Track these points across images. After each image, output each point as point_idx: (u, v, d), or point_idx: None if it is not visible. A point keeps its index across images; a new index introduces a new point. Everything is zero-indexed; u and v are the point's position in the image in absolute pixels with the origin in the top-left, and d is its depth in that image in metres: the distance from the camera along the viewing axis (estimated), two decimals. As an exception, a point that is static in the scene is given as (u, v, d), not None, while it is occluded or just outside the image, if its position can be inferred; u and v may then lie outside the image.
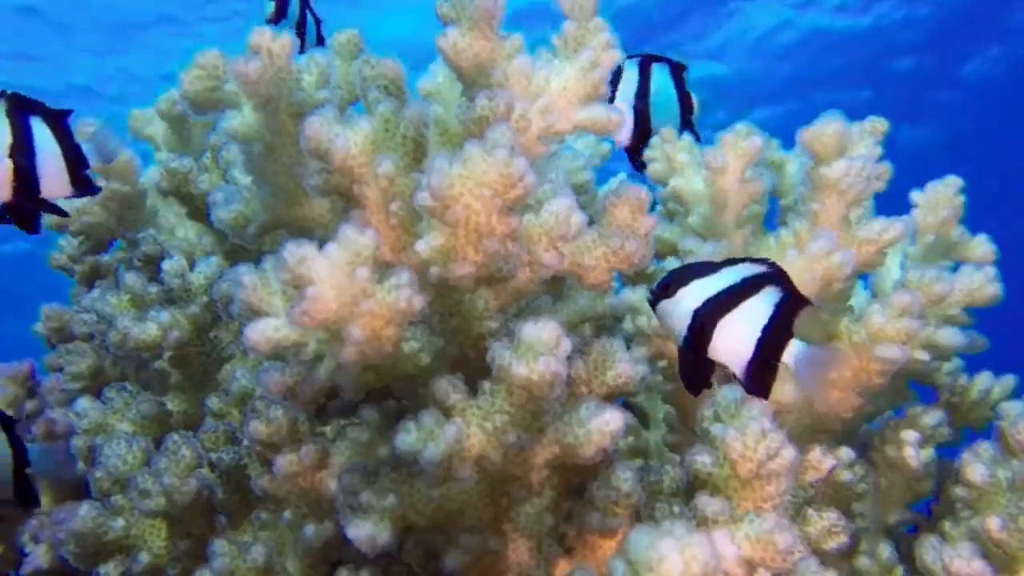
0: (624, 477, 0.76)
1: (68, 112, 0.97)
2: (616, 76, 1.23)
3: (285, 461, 0.80)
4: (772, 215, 1.11)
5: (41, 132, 0.94)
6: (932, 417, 1.01)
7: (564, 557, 0.79)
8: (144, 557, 0.95)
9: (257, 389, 1.03)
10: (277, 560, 0.88)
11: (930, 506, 1.08)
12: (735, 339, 0.69)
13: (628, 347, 0.82)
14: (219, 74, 0.77)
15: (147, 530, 0.95)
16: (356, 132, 0.69)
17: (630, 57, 1.28)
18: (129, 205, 1.33)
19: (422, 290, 0.62)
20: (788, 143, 1.09)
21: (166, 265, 1.15)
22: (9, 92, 0.93)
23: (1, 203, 0.93)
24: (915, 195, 1.15)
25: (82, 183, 0.97)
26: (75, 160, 0.96)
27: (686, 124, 1.28)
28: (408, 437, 0.65)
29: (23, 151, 0.92)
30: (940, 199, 1.13)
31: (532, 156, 0.76)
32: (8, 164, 0.91)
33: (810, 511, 0.87)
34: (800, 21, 6.87)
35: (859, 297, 1.12)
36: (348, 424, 0.84)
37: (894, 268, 1.15)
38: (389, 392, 0.83)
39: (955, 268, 1.10)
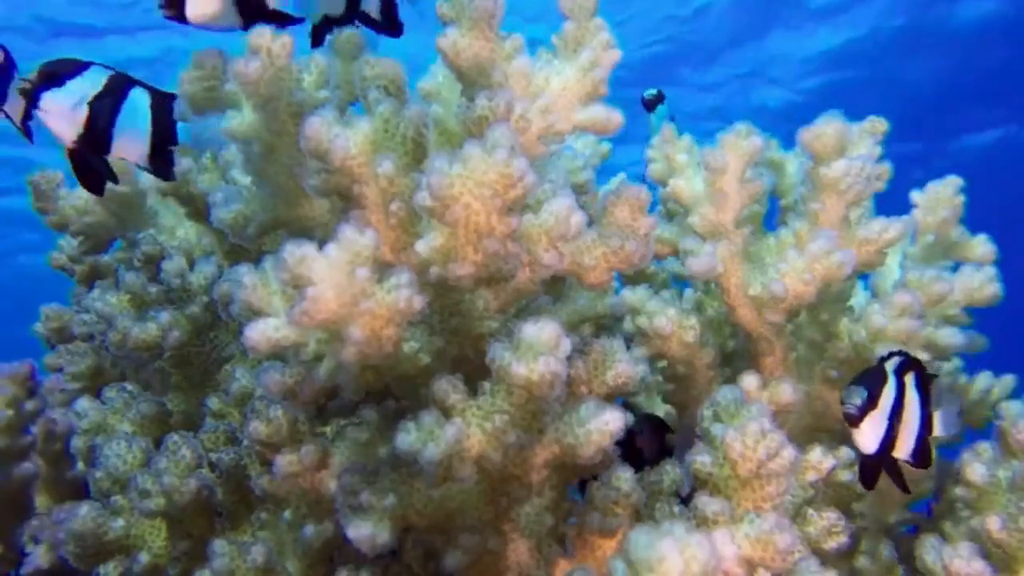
0: (624, 477, 0.76)
1: (173, 95, 0.97)
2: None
3: (285, 461, 0.80)
4: (772, 215, 1.11)
5: (139, 99, 0.95)
6: (932, 417, 1.01)
7: (564, 557, 0.79)
8: (144, 557, 0.95)
9: (257, 389, 1.03)
10: (277, 560, 0.88)
11: (930, 506, 1.08)
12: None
13: (628, 347, 0.82)
14: (218, 74, 0.77)
15: (147, 530, 0.95)
16: (356, 132, 0.69)
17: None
18: (129, 205, 1.33)
19: (422, 290, 0.62)
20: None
21: (166, 265, 1.15)
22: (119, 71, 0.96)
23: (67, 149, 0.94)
24: (915, 195, 1.15)
25: (161, 159, 0.98)
26: (163, 136, 0.97)
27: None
28: (408, 437, 0.65)
29: (105, 105, 0.93)
30: (940, 199, 1.13)
31: (532, 156, 0.76)
32: (84, 111, 0.92)
33: (810, 511, 0.87)
34: None
35: (859, 297, 1.12)
36: (348, 424, 0.84)
37: (894, 268, 1.15)
38: (389, 392, 0.83)
39: (955, 268, 1.10)
